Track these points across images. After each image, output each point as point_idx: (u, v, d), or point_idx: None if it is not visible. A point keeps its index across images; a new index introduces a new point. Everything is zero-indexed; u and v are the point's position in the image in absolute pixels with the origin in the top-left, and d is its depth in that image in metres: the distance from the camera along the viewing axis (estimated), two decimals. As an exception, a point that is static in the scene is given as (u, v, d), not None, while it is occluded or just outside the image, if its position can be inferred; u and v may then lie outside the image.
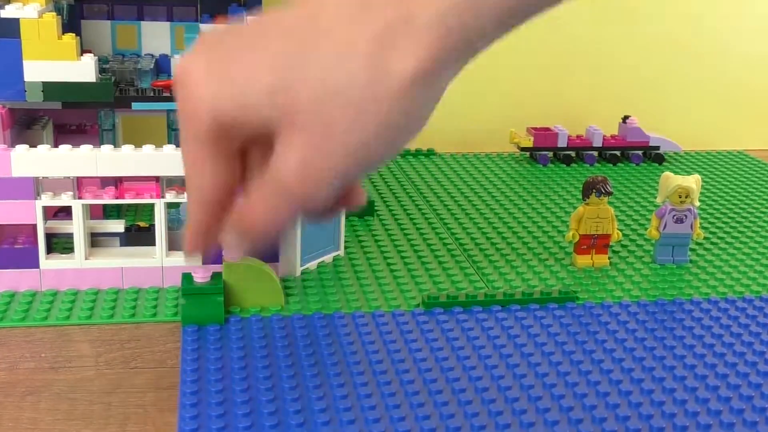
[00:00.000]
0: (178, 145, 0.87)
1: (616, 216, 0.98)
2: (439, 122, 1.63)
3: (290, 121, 0.42)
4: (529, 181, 1.28)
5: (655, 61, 1.48)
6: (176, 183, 0.86)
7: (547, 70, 1.45)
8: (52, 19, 0.88)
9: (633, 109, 1.44)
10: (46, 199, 0.83)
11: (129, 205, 1.06)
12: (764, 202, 1.22)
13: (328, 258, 0.95)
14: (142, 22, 1.09)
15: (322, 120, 0.41)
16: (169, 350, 0.76)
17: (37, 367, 0.73)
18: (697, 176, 0.97)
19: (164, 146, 0.85)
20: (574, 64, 1.45)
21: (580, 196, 0.97)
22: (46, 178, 0.83)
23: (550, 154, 1.36)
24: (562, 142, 1.35)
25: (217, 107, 0.43)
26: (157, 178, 0.84)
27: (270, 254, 0.88)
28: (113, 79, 0.93)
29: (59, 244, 0.88)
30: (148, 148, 0.84)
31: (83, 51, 0.92)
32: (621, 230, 1.02)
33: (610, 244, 0.97)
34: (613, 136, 1.38)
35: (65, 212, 0.90)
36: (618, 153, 1.37)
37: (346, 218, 0.99)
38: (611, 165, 1.36)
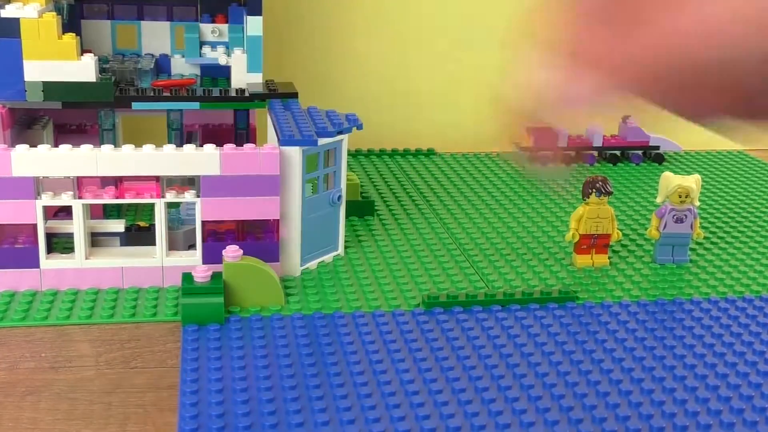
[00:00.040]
0: (178, 145, 0.87)
1: (616, 216, 0.98)
2: (439, 122, 1.64)
3: None
4: (530, 181, 1.27)
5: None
6: (176, 183, 0.86)
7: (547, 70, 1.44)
8: (52, 19, 0.88)
9: (633, 108, 1.44)
10: (46, 199, 0.83)
11: (129, 205, 1.06)
12: (764, 202, 1.22)
13: (328, 258, 0.95)
14: (142, 22, 1.09)
15: None
16: (169, 350, 0.76)
17: (37, 367, 0.73)
18: (697, 176, 0.97)
19: (164, 146, 0.85)
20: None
21: (580, 196, 0.97)
22: (46, 177, 0.83)
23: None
24: (562, 142, 1.35)
25: None
26: (157, 178, 0.84)
27: (270, 254, 0.88)
28: (113, 79, 0.93)
29: (59, 244, 0.88)
30: (148, 148, 0.84)
31: (83, 51, 0.92)
32: (621, 230, 1.02)
33: (610, 244, 0.97)
34: (613, 136, 1.38)
35: (65, 212, 0.90)
36: (618, 153, 1.37)
37: (346, 218, 0.99)
38: (611, 165, 1.36)
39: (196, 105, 0.97)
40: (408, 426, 0.64)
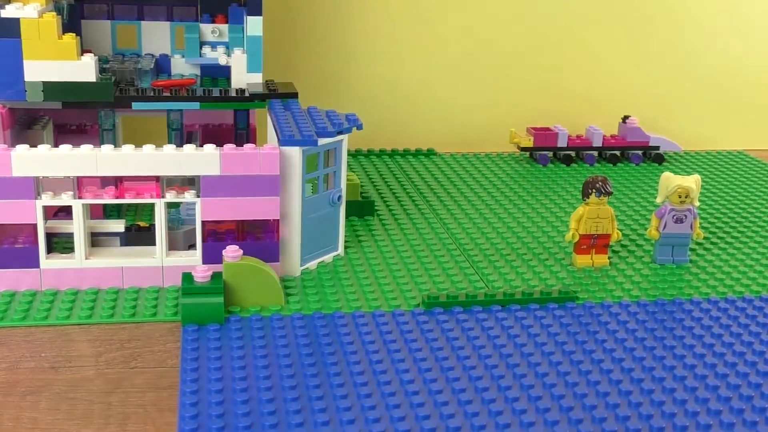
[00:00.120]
0: (178, 145, 0.87)
1: (616, 216, 0.98)
2: (439, 122, 1.64)
3: None
4: (529, 181, 1.28)
5: (655, 61, 1.48)
6: (176, 183, 0.86)
7: (547, 70, 1.45)
8: (52, 19, 0.88)
9: (633, 109, 1.44)
10: (46, 199, 0.83)
11: (129, 205, 1.06)
12: (764, 202, 1.22)
13: (328, 258, 0.95)
14: (142, 22, 1.09)
15: None
16: (169, 350, 0.77)
17: (37, 367, 0.73)
18: (697, 176, 0.97)
19: (164, 146, 0.85)
20: (574, 64, 1.45)
21: (580, 196, 0.97)
22: (46, 178, 0.83)
23: (550, 154, 1.36)
24: (562, 142, 1.35)
25: None
26: (157, 178, 0.84)
27: (270, 254, 0.88)
28: (113, 79, 0.93)
29: (59, 244, 0.88)
30: (148, 148, 0.84)
31: (83, 51, 0.92)
32: (621, 230, 1.02)
33: (610, 244, 0.97)
34: (613, 136, 1.38)
35: (65, 212, 0.90)
36: (618, 153, 1.37)
37: (346, 218, 0.99)
38: (611, 165, 1.36)
39: (196, 105, 0.97)
40: (408, 426, 0.64)
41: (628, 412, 0.67)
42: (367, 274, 0.92)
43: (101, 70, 0.96)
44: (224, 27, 1.07)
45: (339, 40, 1.37)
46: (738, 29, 1.49)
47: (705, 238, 1.05)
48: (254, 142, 1.05)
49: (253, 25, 1.01)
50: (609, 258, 0.97)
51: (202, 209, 0.85)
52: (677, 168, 1.36)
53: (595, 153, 1.37)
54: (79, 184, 0.84)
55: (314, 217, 0.91)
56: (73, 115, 1.06)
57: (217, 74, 1.08)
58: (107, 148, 0.83)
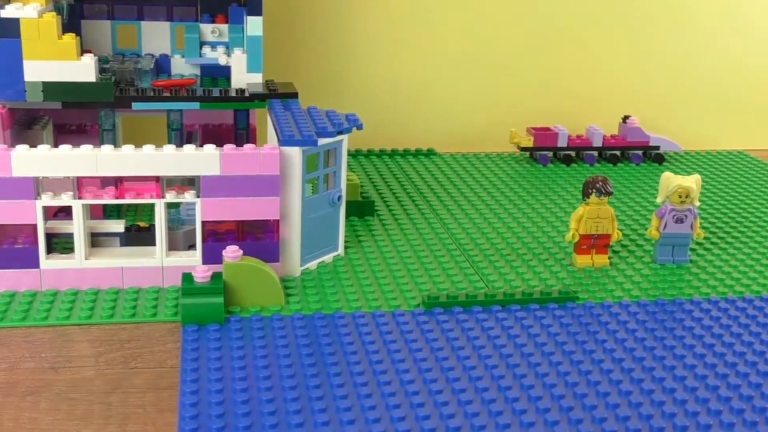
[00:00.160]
0: (178, 145, 0.87)
1: (616, 216, 0.98)
2: (439, 122, 1.64)
3: None
4: (529, 181, 1.28)
5: (655, 61, 1.48)
6: (176, 183, 0.86)
7: (547, 70, 1.45)
8: (52, 19, 0.88)
9: (633, 109, 1.44)
10: (46, 199, 0.83)
11: (129, 205, 1.06)
12: (764, 202, 1.22)
13: (328, 258, 0.95)
14: (142, 22, 1.09)
15: None
16: (169, 350, 0.76)
17: (37, 367, 0.73)
18: (697, 176, 0.97)
19: (164, 146, 0.85)
20: (574, 64, 1.45)
21: (580, 196, 0.97)
22: (46, 178, 0.83)
23: (550, 154, 1.36)
24: (562, 142, 1.35)
25: None
26: (157, 178, 0.84)
27: (270, 254, 0.88)
28: (113, 79, 0.93)
29: (59, 244, 0.88)
30: (148, 148, 0.84)
31: (83, 51, 0.92)
32: (621, 230, 1.02)
33: (610, 244, 0.97)
34: (613, 136, 1.38)
35: (65, 212, 0.90)
36: (618, 153, 1.37)
37: (346, 218, 0.99)
38: (611, 165, 1.36)
39: (196, 105, 0.97)
40: (408, 426, 0.64)
41: (629, 412, 0.67)
42: (367, 275, 0.92)
43: (101, 70, 0.96)
44: (224, 27, 1.07)
45: (339, 40, 1.37)
46: (738, 29, 1.49)
47: (705, 238, 1.05)
48: (254, 142, 1.05)
49: (253, 25, 1.01)
50: (609, 258, 0.97)
51: (202, 209, 0.85)
52: (677, 168, 1.36)
53: (595, 153, 1.37)
54: (79, 185, 0.84)
55: (314, 217, 0.91)
56: (73, 115, 1.06)
57: (217, 74, 1.08)
58: (107, 149, 0.83)
